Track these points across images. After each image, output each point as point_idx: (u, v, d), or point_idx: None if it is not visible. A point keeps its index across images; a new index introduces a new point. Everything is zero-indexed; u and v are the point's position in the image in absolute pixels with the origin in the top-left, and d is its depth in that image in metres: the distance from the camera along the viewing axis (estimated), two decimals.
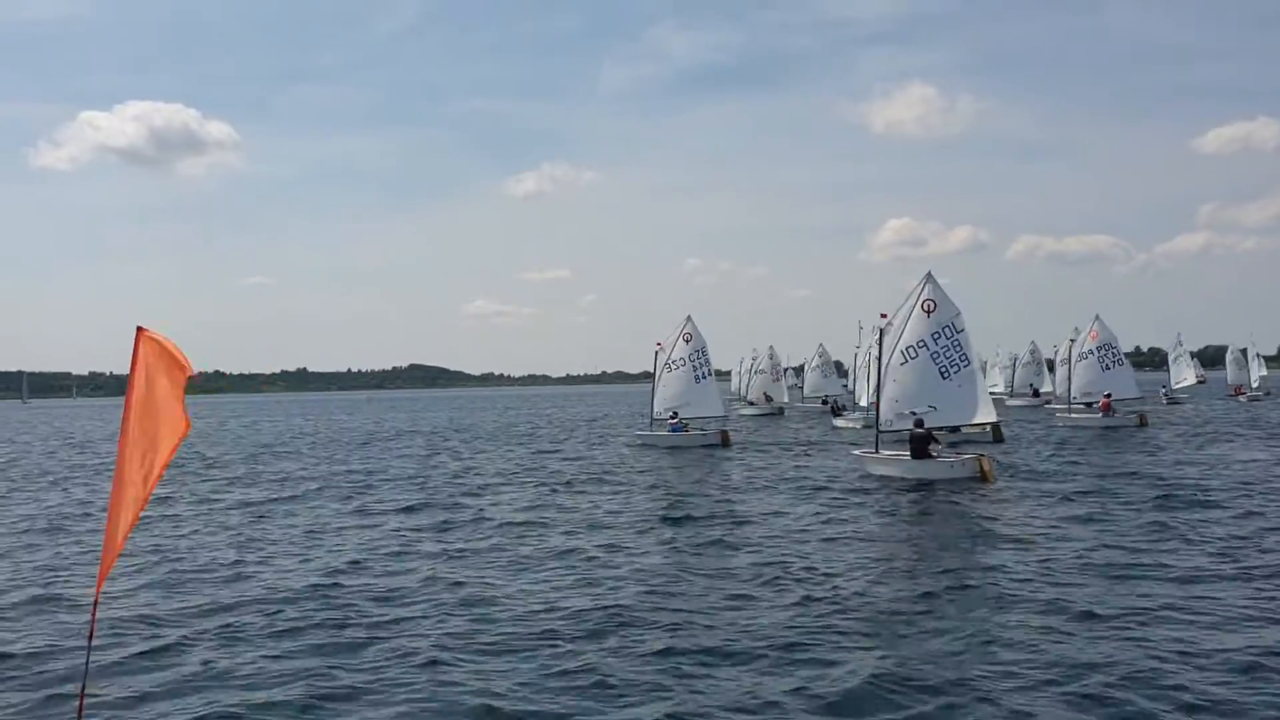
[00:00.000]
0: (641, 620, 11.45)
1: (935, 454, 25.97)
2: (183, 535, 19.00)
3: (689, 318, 38.98)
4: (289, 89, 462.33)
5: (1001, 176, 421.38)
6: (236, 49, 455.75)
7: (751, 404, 71.03)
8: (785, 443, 40.54)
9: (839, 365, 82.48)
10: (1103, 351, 45.85)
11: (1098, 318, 46.27)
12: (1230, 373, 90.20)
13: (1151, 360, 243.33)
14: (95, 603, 6.48)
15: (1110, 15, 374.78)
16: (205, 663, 10.09)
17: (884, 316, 28.59)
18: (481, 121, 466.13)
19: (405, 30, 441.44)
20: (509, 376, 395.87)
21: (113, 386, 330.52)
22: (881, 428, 27.96)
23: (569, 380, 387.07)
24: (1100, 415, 43.67)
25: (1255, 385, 73.74)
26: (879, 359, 28.92)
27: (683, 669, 9.59)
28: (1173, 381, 74.57)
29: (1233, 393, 74.85)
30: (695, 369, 38.76)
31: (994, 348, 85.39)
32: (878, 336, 29.60)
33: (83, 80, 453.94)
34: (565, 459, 35.56)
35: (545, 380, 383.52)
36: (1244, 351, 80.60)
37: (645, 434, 41.25)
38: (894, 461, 26.76)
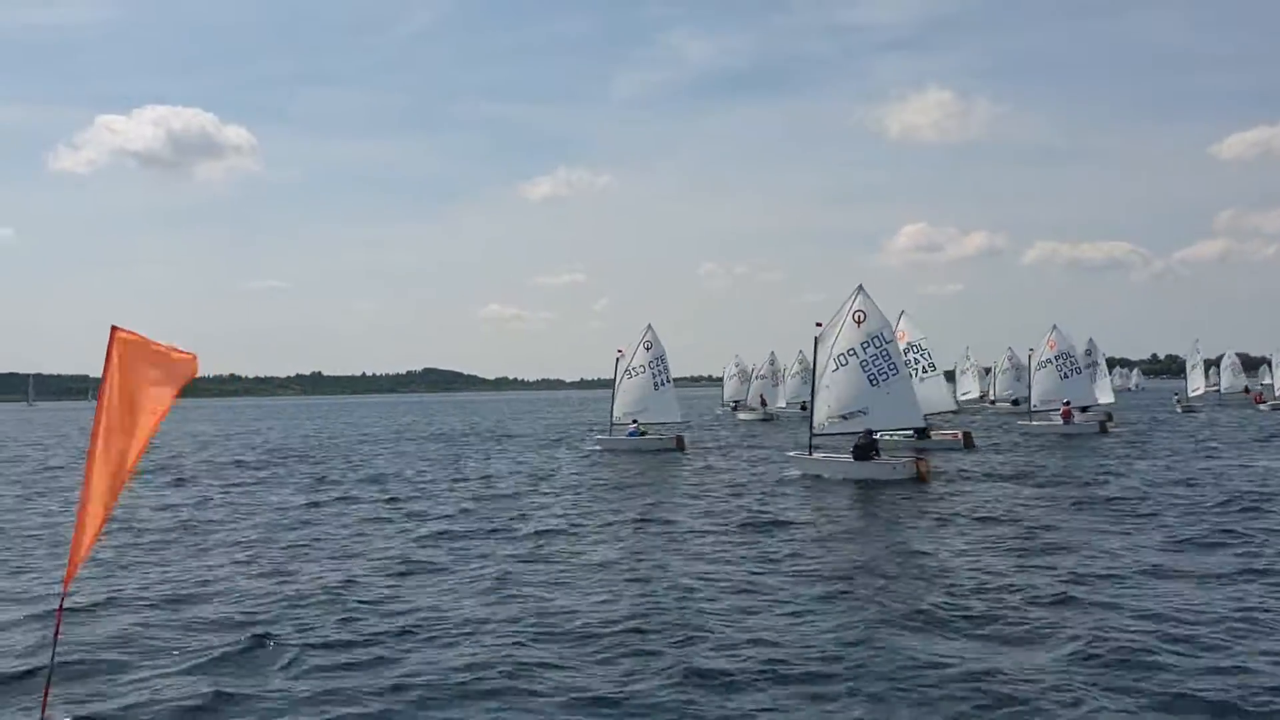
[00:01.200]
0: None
1: (877, 455, 27.78)
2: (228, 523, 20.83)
3: (649, 326, 40.85)
4: (306, 93, 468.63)
5: (1018, 181, 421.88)
6: (254, 54, 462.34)
7: (751, 409, 71.92)
8: (744, 447, 42.24)
9: None
10: (1061, 360, 47.23)
11: (1055, 327, 47.69)
12: (1225, 379, 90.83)
13: (1170, 368, 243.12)
14: (61, 604, 6.57)
15: (1128, 20, 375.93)
16: (174, 668, 10.26)
17: (819, 326, 30.16)
18: (497, 126, 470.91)
19: (421, 35, 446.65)
20: (523, 380, 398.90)
21: None
22: (815, 431, 29.59)
23: (584, 384, 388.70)
24: (1061, 423, 45.08)
25: (1278, 393, 72.95)
26: (814, 366, 30.53)
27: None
28: (1189, 389, 73.87)
29: (1254, 400, 73.70)
30: (655, 376, 40.50)
31: (964, 354, 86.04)
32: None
33: (101, 84, 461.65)
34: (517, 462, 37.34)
35: (560, 384, 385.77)
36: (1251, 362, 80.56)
37: (604, 438, 43.02)
38: (837, 464, 28.46)
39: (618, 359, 41.35)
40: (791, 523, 19.40)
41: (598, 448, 42.14)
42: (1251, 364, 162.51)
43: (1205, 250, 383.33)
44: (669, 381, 40.87)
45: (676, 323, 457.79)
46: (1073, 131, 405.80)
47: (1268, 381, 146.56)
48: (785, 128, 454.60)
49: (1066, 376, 47.04)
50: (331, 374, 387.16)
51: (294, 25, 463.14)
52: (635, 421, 40.47)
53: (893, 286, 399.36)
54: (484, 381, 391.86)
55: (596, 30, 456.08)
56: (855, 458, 27.73)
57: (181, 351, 6.67)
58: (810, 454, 29.67)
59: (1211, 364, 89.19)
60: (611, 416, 41.74)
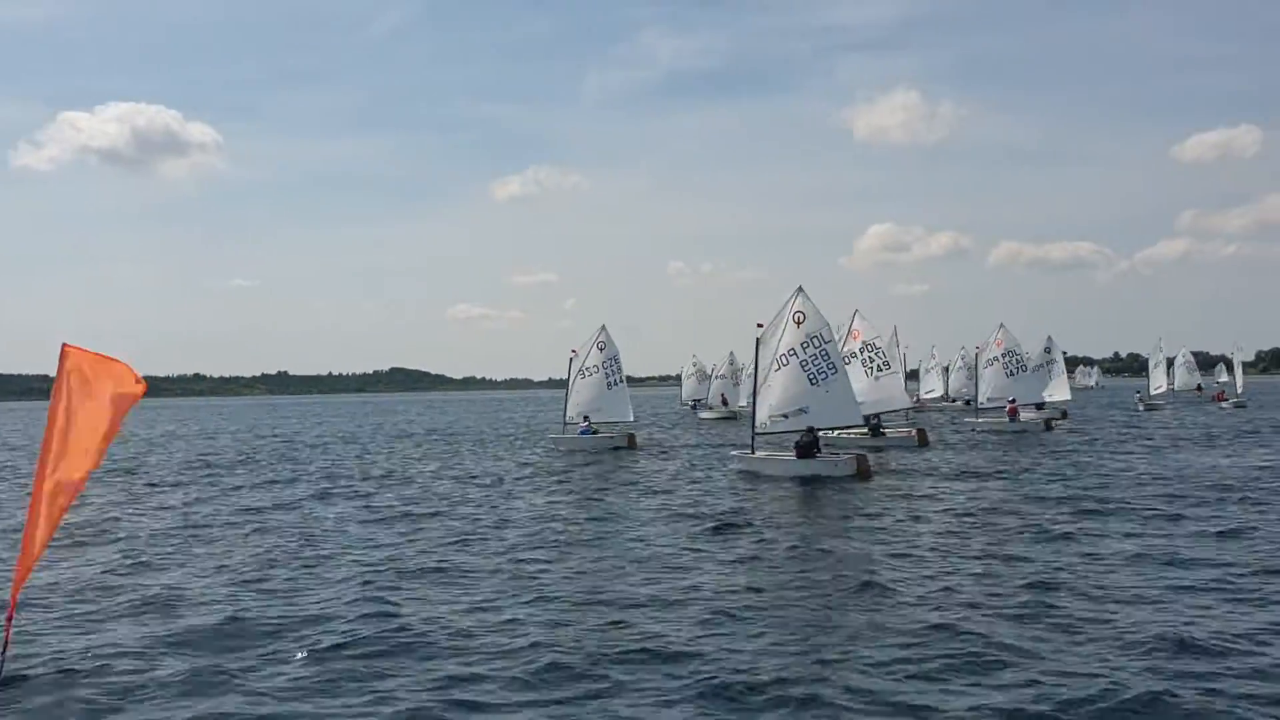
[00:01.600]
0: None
1: (819, 453, 28.54)
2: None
3: (603, 326, 41.53)
4: (272, 91, 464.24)
5: (984, 182, 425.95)
6: (219, 51, 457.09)
7: (710, 408, 72.95)
8: (696, 445, 42.84)
9: None
10: (1008, 358, 48.15)
11: (1001, 325, 48.62)
12: (1179, 377, 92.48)
13: (1131, 366, 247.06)
14: (10, 616, 6.58)
15: (1092, 23, 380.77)
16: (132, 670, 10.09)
17: (760, 327, 30.69)
18: (467, 125, 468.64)
19: (390, 34, 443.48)
20: (492, 380, 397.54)
21: None
22: (757, 430, 30.15)
23: (553, 384, 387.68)
24: (1007, 420, 46.04)
25: (1240, 391, 73.19)
26: (755, 367, 31.05)
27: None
28: (1151, 388, 74.59)
29: (1215, 398, 75.34)
30: (608, 375, 41.14)
31: (929, 352, 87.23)
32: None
33: (63, 80, 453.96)
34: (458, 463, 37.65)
35: (528, 384, 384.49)
36: (1205, 360, 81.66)
37: (558, 437, 43.38)
38: (780, 461, 29.15)
39: (571, 359, 41.85)
40: (731, 523, 19.72)
41: (552, 446, 42.50)
42: (1209, 362, 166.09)
43: (1167, 250, 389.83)
44: (622, 381, 41.52)
45: (645, 322, 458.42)
46: (1037, 133, 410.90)
47: (1225, 379, 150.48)
48: (754, 128, 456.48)
49: (1013, 374, 47.96)
50: (298, 374, 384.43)
51: (260, 23, 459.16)
52: (587, 420, 40.96)
53: (861, 286, 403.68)
54: (452, 381, 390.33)
55: (567, 29, 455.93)
56: (798, 455, 28.39)
57: (131, 372, 6.67)
58: (753, 452, 30.31)
59: (1169, 363, 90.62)
60: (565, 415, 42.18)
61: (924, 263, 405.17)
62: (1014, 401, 46.50)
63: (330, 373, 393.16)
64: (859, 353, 40.18)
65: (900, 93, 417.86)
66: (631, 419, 41.74)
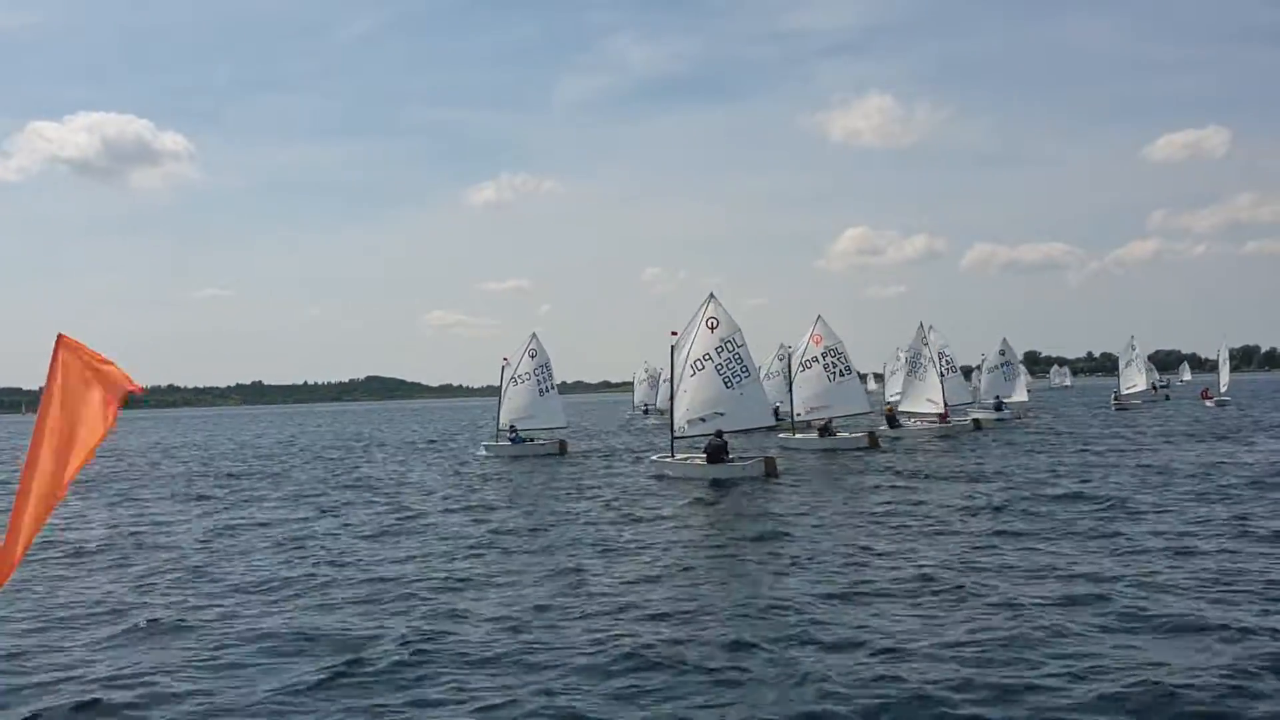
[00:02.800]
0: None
1: (729, 458, 29.46)
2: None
3: (534, 335, 42.33)
4: (244, 99, 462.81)
5: (957, 185, 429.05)
6: (189, 60, 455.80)
7: (662, 413, 73.23)
8: (624, 450, 44.00)
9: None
10: (940, 362, 49.28)
11: (931, 328, 49.69)
12: (1123, 378, 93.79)
13: (1104, 365, 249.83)
14: None
15: (1064, 26, 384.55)
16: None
17: (674, 334, 31.70)
18: (439, 131, 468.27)
19: (363, 40, 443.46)
20: (467, 387, 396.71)
21: None
22: (675, 435, 31.12)
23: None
24: (937, 422, 47.27)
25: (1223, 389, 72.00)
26: (671, 373, 32.05)
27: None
28: (1123, 387, 74.62)
29: (1201, 396, 75.06)
30: (539, 383, 42.06)
31: (894, 354, 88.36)
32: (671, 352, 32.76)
33: (31, 90, 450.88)
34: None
35: None
36: (1173, 358, 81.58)
37: (490, 444, 44.34)
38: (690, 464, 30.00)
39: (503, 367, 42.66)
40: (640, 520, 20.82)
41: (485, 453, 43.41)
42: (1172, 363, 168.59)
43: (1138, 250, 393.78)
44: (553, 388, 42.52)
45: (621, 328, 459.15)
46: (1010, 135, 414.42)
47: (1187, 378, 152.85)
48: (728, 133, 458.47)
49: (943, 376, 49.14)
50: (273, 383, 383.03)
51: (230, 31, 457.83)
52: (513, 428, 41.92)
53: (836, 289, 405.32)
54: (427, 389, 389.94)
55: (539, 36, 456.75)
56: (708, 459, 29.33)
57: (120, 370, 6.48)
58: (671, 456, 31.34)
59: (1131, 362, 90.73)
60: (498, 423, 43.04)
61: (899, 265, 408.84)
62: (945, 404, 47.81)
63: (306, 382, 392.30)
64: (821, 357, 41.33)
65: (874, 96, 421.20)
66: (563, 425, 42.63)
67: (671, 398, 31.70)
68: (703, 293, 34.34)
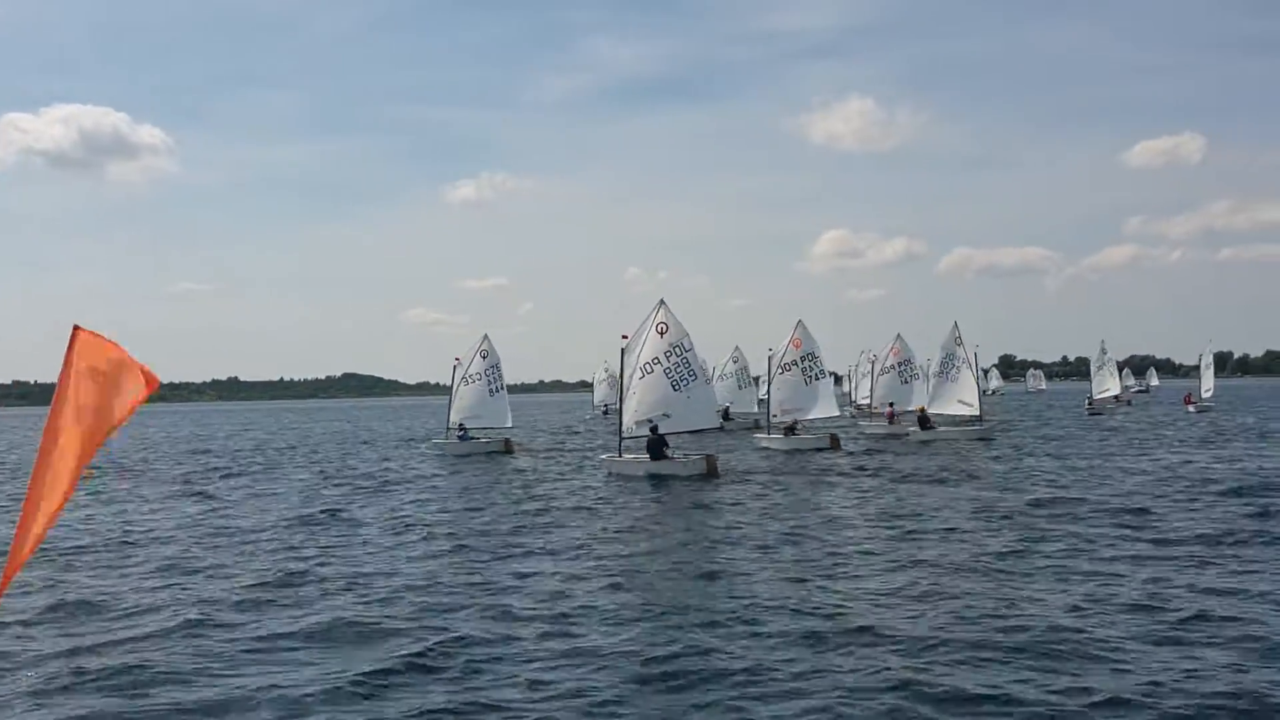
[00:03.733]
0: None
1: (670, 455, 30.18)
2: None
3: (485, 336, 42.64)
4: (224, 94, 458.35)
5: (936, 188, 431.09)
6: (166, 54, 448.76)
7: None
8: (570, 450, 44.58)
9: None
10: (902, 367, 49.96)
11: (899, 336, 50.47)
12: (1095, 382, 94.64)
13: (1078, 370, 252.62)
14: None
15: (1044, 32, 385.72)
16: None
17: (625, 338, 31.95)
18: (418, 129, 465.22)
19: (341, 37, 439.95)
20: (445, 386, 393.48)
21: (38, 396, 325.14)
22: (624, 435, 31.50)
23: (507, 389, 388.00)
24: (886, 423, 48.06)
25: (1206, 394, 71.58)
26: (621, 375, 32.30)
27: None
28: (1095, 391, 74.98)
29: (1184, 401, 74.72)
30: (490, 383, 42.52)
31: (862, 357, 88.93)
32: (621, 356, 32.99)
33: (5, 81, 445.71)
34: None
35: None
36: (1147, 363, 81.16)
37: (440, 442, 44.69)
38: (635, 463, 30.64)
39: (455, 366, 42.88)
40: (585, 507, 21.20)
41: (435, 451, 43.85)
42: (1145, 368, 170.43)
43: (1114, 256, 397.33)
44: (502, 389, 42.95)
45: (602, 327, 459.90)
46: (989, 140, 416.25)
47: (1155, 383, 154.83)
48: (709, 134, 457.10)
49: (906, 382, 49.79)
50: (249, 379, 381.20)
51: (207, 26, 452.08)
52: (462, 426, 42.22)
53: (815, 291, 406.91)
54: (405, 386, 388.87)
55: (520, 34, 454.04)
56: (651, 456, 29.89)
57: (142, 365, 6.31)
58: (620, 455, 31.71)
59: (1103, 366, 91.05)
60: (448, 421, 43.29)
61: (878, 268, 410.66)
62: (892, 405, 48.65)
63: (282, 378, 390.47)
64: (799, 361, 42.28)
65: (855, 99, 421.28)
66: (510, 425, 43.18)
67: (621, 399, 32.01)
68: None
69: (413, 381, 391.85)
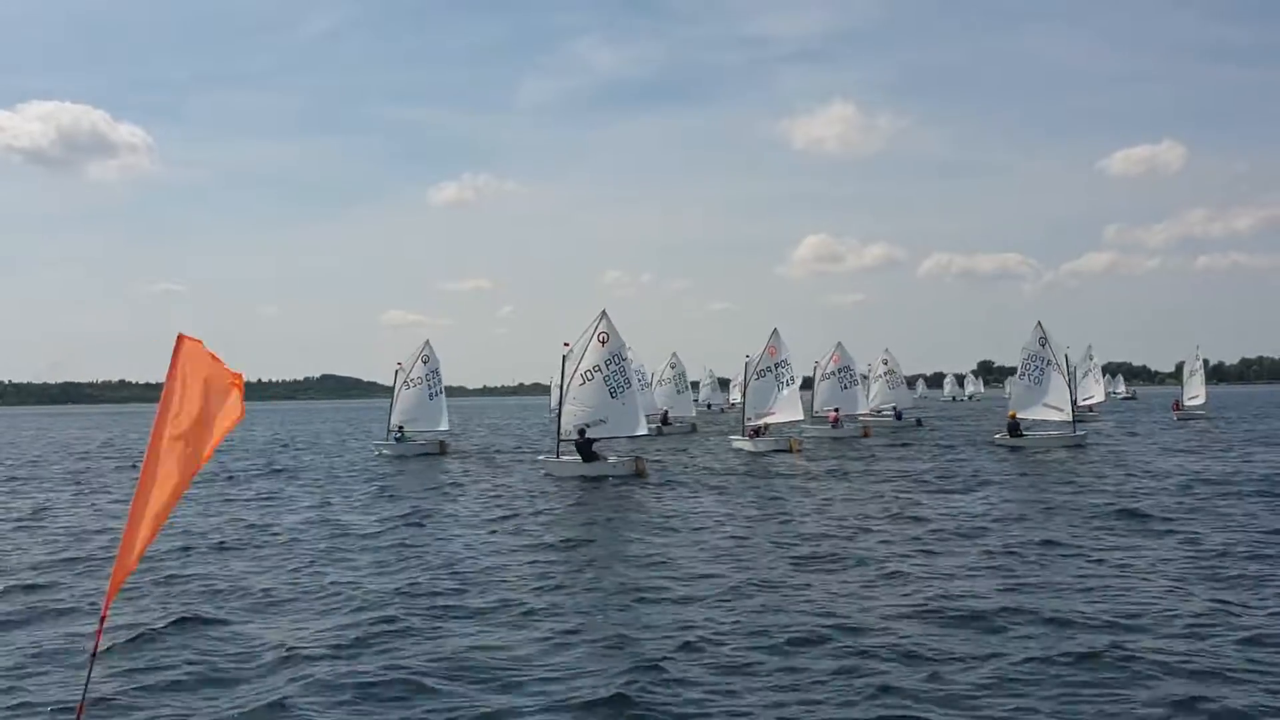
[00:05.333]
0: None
1: (601, 456, 32.54)
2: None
3: (427, 341, 44.95)
4: (204, 93, 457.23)
5: (916, 194, 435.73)
6: (147, 51, 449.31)
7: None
8: (505, 451, 47.11)
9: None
10: (842, 373, 52.71)
11: (839, 344, 53.19)
12: (1080, 389, 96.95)
13: None
14: (103, 618, 6.23)
15: (1025, 39, 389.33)
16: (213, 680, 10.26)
17: (566, 345, 34.26)
18: (401, 130, 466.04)
19: (325, 37, 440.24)
20: None
21: (11, 396, 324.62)
22: (561, 438, 33.86)
23: (486, 392, 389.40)
24: (830, 427, 50.67)
25: (1191, 400, 71.18)
26: (561, 381, 34.62)
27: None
28: (1079, 397, 73.06)
29: (1172, 407, 74.56)
30: (429, 387, 44.56)
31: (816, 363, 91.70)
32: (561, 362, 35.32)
33: None
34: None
35: (463, 392, 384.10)
36: (1124, 370, 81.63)
37: (380, 444, 47.09)
38: (569, 464, 32.88)
39: (397, 370, 45.06)
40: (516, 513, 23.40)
41: (377, 453, 45.96)
42: (1130, 373, 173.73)
43: (1093, 262, 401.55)
44: (441, 392, 44.97)
45: (581, 330, 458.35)
46: (969, 146, 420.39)
47: (1120, 391, 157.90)
48: (692, 138, 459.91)
49: (846, 388, 52.55)
50: None
51: (189, 24, 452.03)
52: (400, 429, 44.35)
53: (795, 296, 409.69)
54: (384, 389, 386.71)
55: (504, 37, 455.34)
56: (583, 457, 32.28)
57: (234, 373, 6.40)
58: (557, 456, 34.08)
59: (1089, 372, 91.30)
60: (389, 424, 45.54)
61: (857, 273, 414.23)
62: (837, 410, 51.29)
63: (260, 379, 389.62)
64: (773, 368, 44.66)
65: (838, 104, 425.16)
66: (446, 428, 45.21)
67: (560, 403, 34.30)
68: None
69: (392, 383, 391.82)
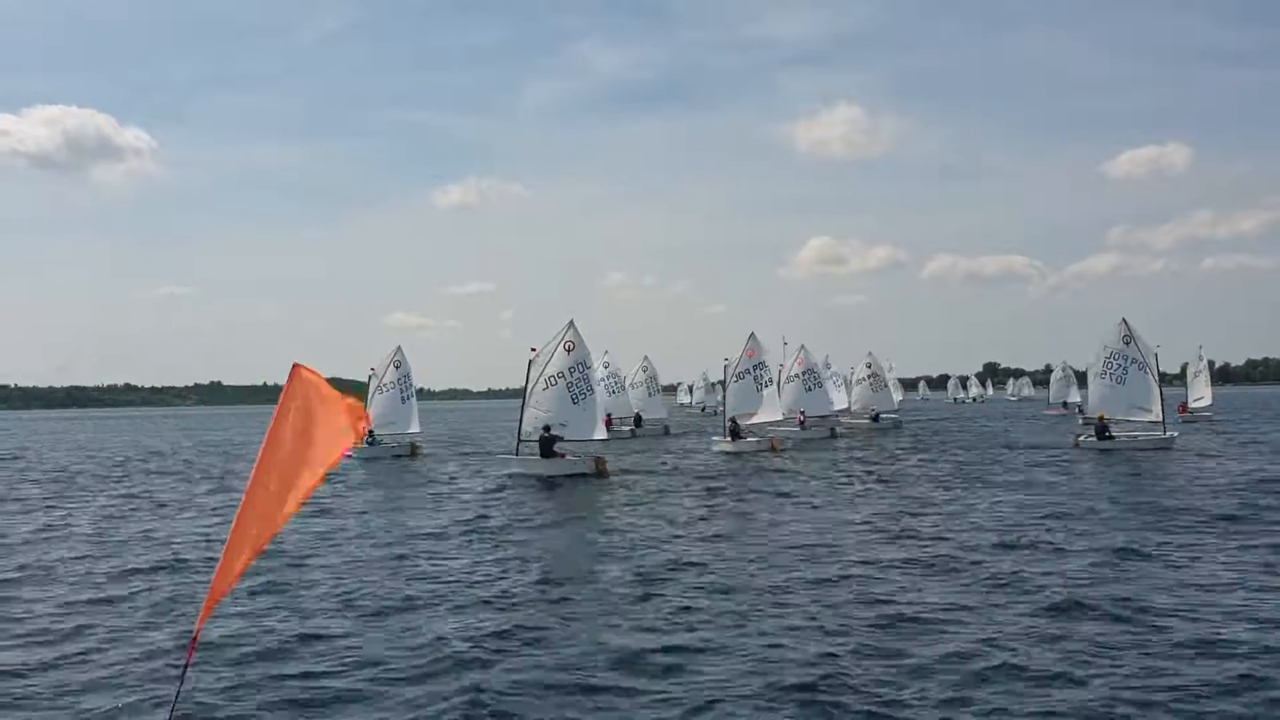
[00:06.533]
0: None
1: (561, 454, 34.91)
2: None
3: (399, 347, 46.83)
4: (209, 97, 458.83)
5: (921, 196, 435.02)
6: (152, 55, 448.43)
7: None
8: (469, 453, 49.58)
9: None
10: (806, 375, 55.16)
11: (803, 347, 55.66)
12: (1054, 390, 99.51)
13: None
14: (195, 636, 6.26)
15: (1028, 41, 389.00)
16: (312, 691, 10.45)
17: (533, 351, 36.59)
18: (405, 133, 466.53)
19: (329, 39, 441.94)
20: (429, 391, 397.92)
21: (17, 399, 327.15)
22: (522, 439, 36.27)
23: (491, 394, 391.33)
24: (798, 429, 53.12)
25: (1196, 401, 69.63)
26: (525, 385, 37.05)
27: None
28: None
29: (1178, 410, 71.19)
30: (401, 391, 46.30)
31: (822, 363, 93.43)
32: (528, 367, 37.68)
33: None
34: None
35: (467, 394, 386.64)
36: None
37: (355, 446, 49.23)
38: (531, 462, 35.41)
39: (370, 376, 46.92)
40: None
41: (348, 455, 47.88)
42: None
43: (1097, 264, 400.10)
44: (412, 396, 46.73)
45: (584, 333, 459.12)
46: (973, 148, 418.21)
47: (1074, 400, 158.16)
48: (695, 140, 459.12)
49: (810, 390, 54.97)
50: (232, 384, 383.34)
51: (192, 28, 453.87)
52: (371, 432, 45.26)
53: (799, 298, 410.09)
54: None
55: (507, 40, 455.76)
56: (542, 455, 34.75)
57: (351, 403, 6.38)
58: (516, 454, 36.66)
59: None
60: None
61: (861, 275, 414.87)
62: (804, 412, 53.62)
63: (265, 383, 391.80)
64: (751, 370, 46.80)
65: (842, 107, 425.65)
66: (418, 431, 46.96)
67: (524, 406, 36.66)
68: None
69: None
